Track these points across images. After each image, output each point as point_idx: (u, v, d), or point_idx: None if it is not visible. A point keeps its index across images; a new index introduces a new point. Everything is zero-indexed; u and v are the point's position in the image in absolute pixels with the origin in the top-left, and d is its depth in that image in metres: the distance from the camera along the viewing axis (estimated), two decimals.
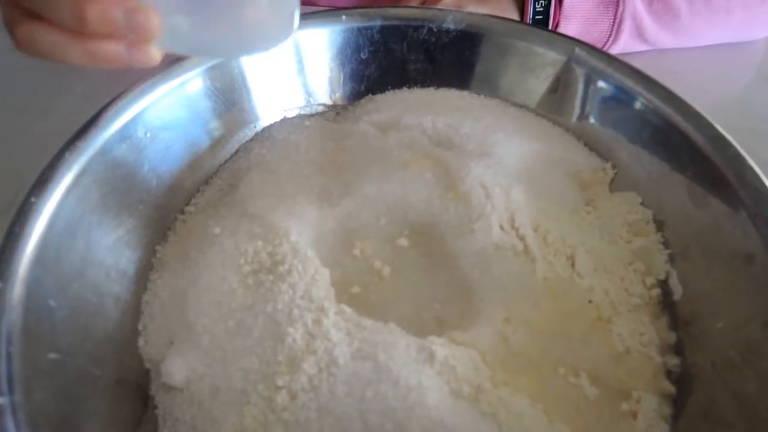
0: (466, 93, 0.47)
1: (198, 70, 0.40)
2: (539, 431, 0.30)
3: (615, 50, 0.56)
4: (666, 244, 0.38)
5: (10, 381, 0.26)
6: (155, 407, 0.33)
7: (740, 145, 0.35)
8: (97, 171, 0.35)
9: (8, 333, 0.28)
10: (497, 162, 0.40)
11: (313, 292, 0.32)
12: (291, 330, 0.32)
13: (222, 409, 0.31)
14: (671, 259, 0.37)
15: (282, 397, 0.30)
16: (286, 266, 0.34)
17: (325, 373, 0.30)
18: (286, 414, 0.30)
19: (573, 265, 0.36)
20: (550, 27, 0.53)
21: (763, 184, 0.33)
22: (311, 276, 0.33)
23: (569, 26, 0.53)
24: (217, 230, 0.37)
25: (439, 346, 0.31)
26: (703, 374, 0.32)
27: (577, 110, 0.43)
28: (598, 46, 0.54)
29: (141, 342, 0.34)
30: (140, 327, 0.35)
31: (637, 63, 0.41)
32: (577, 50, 0.42)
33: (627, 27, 0.54)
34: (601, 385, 0.32)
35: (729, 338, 0.32)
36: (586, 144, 0.44)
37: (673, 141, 0.38)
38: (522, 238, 0.36)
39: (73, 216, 0.33)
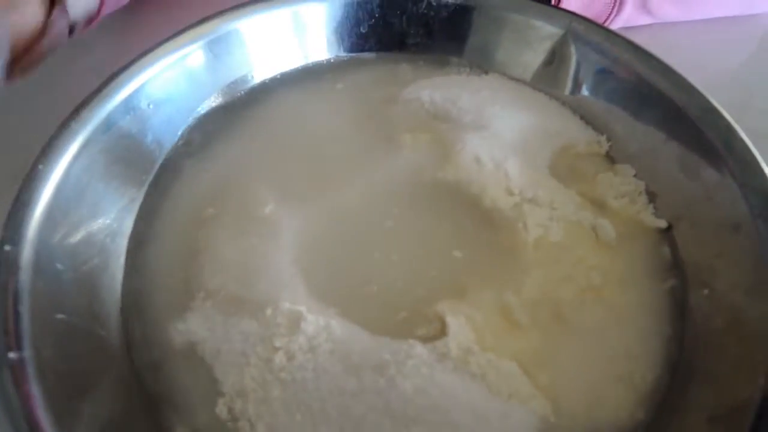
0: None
1: (200, 43, 0.41)
2: (528, 393, 0.31)
3: (618, 23, 0.55)
4: (657, 215, 0.39)
5: (20, 338, 0.28)
6: (159, 369, 0.34)
7: (733, 119, 0.36)
8: (102, 141, 0.36)
9: (18, 293, 0.29)
10: (493, 135, 0.40)
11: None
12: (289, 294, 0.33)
13: (223, 370, 0.32)
14: None
15: (280, 358, 0.31)
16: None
17: (325, 334, 0.31)
18: (284, 374, 0.31)
19: (565, 234, 0.37)
20: None
21: (751, 154, 0.34)
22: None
23: None
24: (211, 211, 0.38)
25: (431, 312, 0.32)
26: (688, 339, 0.33)
27: (570, 83, 0.44)
28: (602, 18, 0.54)
29: (145, 305, 0.36)
30: (144, 291, 0.36)
31: (636, 37, 0.41)
32: (574, 24, 0.43)
33: None
34: None
35: (714, 305, 0.33)
36: (582, 117, 0.44)
37: (666, 113, 0.39)
38: (515, 208, 0.37)
39: (80, 184, 0.34)
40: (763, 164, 0.33)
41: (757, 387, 0.27)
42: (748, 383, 0.28)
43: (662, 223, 0.38)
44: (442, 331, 0.31)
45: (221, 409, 0.31)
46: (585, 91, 0.43)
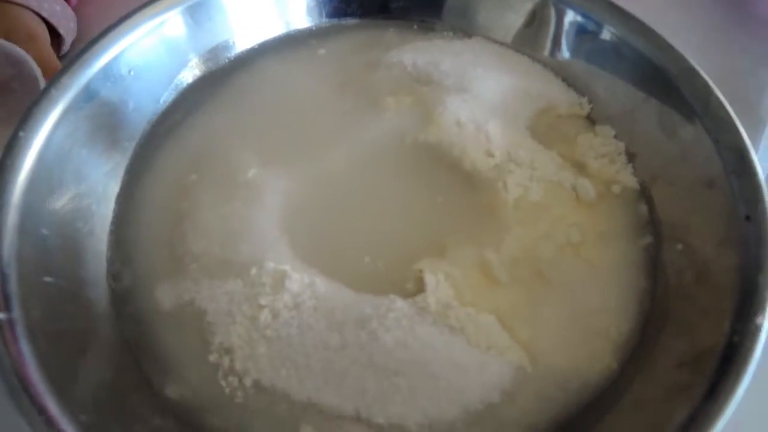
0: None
1: (179, 8, 0.41)
2: (506, 345, 0.32)
3: None
4: (636, 175, 0.39)
5: (7, 299, 0.28)
6: (148, 330, 0.35)
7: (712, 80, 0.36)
8: (84, 108, 0.36)
9: (5, 256, 0.30)
10: (474, 97, 0.41)
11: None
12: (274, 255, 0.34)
13: (210, 329, 0.33)
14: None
15: (265, 316, 0.32)
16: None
17: (309, 291, 0.32)
18: (269, 331, 0.32)
19: (545, 193, 0.37)
20: None
21: (726, 111, 0.34)
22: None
23: None
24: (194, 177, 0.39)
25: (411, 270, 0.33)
26: (661, 292, 0.34)
27: (549, 44, 0.44)
28: None
29: (131, 269, 0.36)
30: (129, 255, 0.37)
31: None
32: None
33: None
34: None
35: (687, 259, 0.34)
36: (564, 80, 0.44)
37: (645, 73, 0.39)
38: (495, 169, 0.37)
39: (62, 150, 0.35)
40: (736, 120, 0.34)
41: (722, 333, 0.28)
42: (715, 330, 0.29)
43: (635, 185, 0.38)
44: (422, 288, 0.32)
45: (210, 367, 0.32)
46: (565, 52, 0.43)
